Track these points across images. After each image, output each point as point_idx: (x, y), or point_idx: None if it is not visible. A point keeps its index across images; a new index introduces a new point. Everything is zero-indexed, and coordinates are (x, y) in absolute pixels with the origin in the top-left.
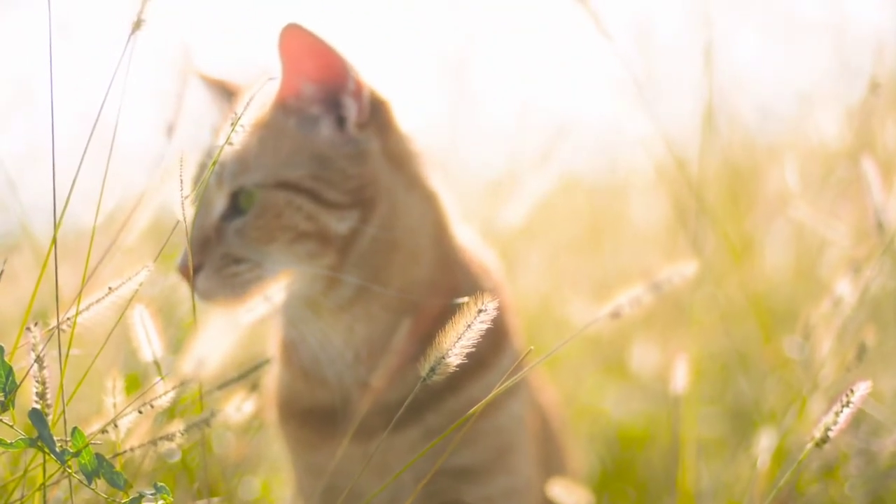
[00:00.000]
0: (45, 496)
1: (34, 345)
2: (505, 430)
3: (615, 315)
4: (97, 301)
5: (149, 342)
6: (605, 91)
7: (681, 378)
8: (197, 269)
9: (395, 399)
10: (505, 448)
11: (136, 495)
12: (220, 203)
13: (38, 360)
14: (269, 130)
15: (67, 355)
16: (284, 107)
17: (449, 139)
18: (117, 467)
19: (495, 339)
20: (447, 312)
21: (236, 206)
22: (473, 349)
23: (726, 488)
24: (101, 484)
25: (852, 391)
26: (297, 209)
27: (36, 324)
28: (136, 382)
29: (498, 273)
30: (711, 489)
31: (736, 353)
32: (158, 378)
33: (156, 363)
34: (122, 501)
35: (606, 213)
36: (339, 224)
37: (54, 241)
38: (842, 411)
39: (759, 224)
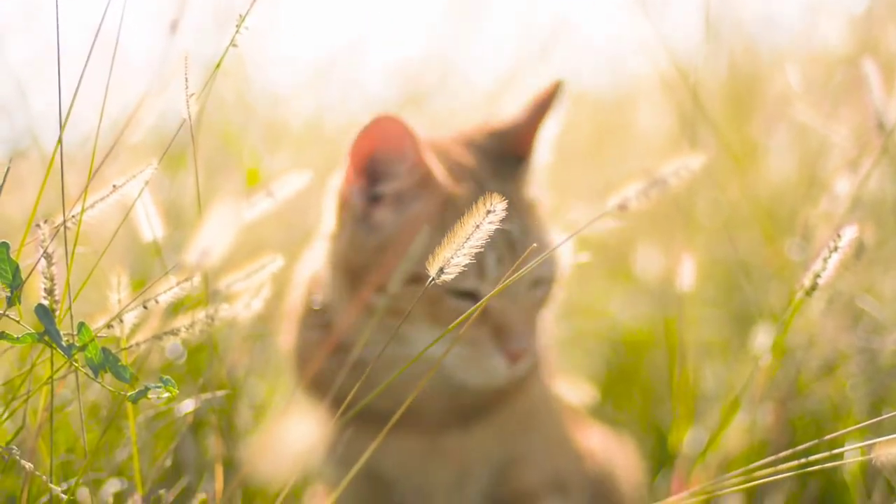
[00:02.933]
0: (52, 391)
1: (42, 241)
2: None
3: (622, 207)
4: (102, 199)
5: (149, 221)
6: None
7: (687, 277)
8: (528, 353)
9: (458, 405)
10: (536, 404)
11: (142, 388)
12: (533, 281)
13: (47, 256)
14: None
15: (73, 252)
16: None
17: (451, 45)
18: (123, 362)
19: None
20: None
21: None
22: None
23: (728, 388)
24: (107, 379)
25: (839, 236)
26: None
27: (45, 221)
28: (142, 285)
29: None
30: (714, 390)
31: (739, 257)
32: (164, 270)
33: (156, 243)
34: (128, 394)
35: (611, 124)
36: None
37: (60, 140)
38: (830, 257)
39: (762, 129)
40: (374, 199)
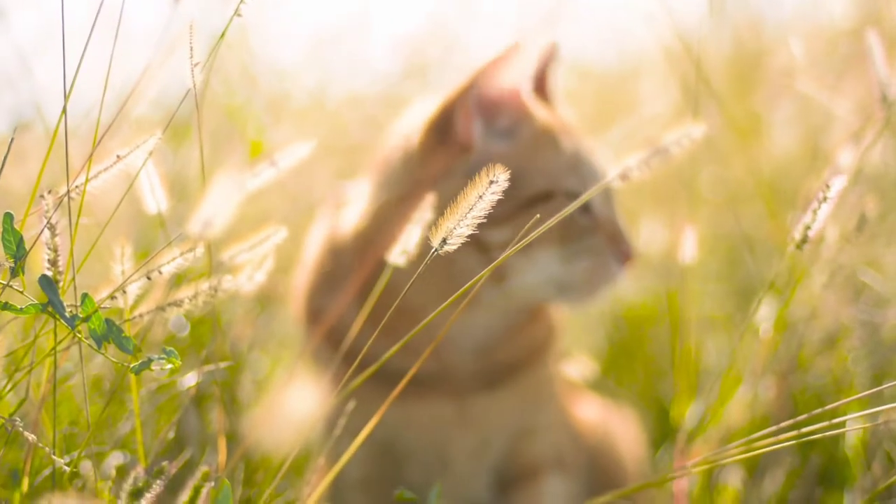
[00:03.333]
0: (55, 363)
1: (46, 211)
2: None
3: (624, 177)
4: (106, 169)
5: (153, 193)
6: None
7: (689, 250)
8: None
9: (488, 367)
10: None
11: (145, 359)
12: None
13: (50, 226)
14: None
15: (77, 223)
16: None
17: (454, 19)
18: (126, 333)
19: (553, 333)
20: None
21: None
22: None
23: (730, 362)
24: (110, 350)
25: (828, 186)
26: None
27: (49, 192)
28: (146, 256)
29: None
30: (717, 363)
31: (742, 232)
32: (167, 242)
33: (159, 215)
34: (132, 365)
35: (615, 97)
36: None
37: (64, 110)
38: (819, 208)
39: (767, 102)
40: (486, 136)
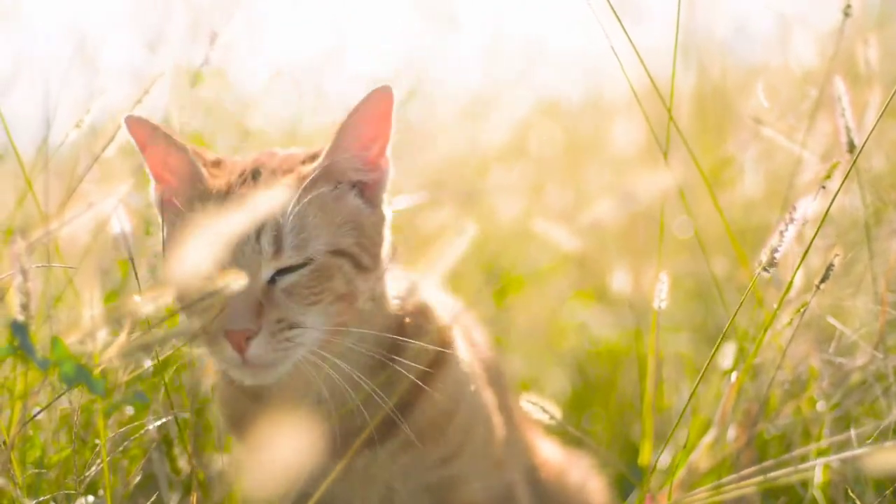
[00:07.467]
0: (25, 405)
1: (19, 256)
2: (464, 421)
3: (595, 224)
4: (78, 216)
5: (125, 239)
6: (583, 15)
7: (662, 294)
8: (252, 336)
9: (361, 422)
10: (466, 428)
11: (115, 401)
12: (270, 268)
13: (23, 272)
14: (320, 200)
15: (50, 268)
16: (327, 177)
17: (427, 62)
18: (95, 375)
19: (436, 359)
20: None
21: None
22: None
23: (699, 405)
24: (78, 394)
25: (795, 208)
26: (343, 273)
27: (22, 235)
28: (116, 296)
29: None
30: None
31: (712, 274)
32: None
33: (130, 258)
34: (101, 407)
35: (585, 137)
36: (364, 285)
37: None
38: (786, 230)
39: (736, 145)
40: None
